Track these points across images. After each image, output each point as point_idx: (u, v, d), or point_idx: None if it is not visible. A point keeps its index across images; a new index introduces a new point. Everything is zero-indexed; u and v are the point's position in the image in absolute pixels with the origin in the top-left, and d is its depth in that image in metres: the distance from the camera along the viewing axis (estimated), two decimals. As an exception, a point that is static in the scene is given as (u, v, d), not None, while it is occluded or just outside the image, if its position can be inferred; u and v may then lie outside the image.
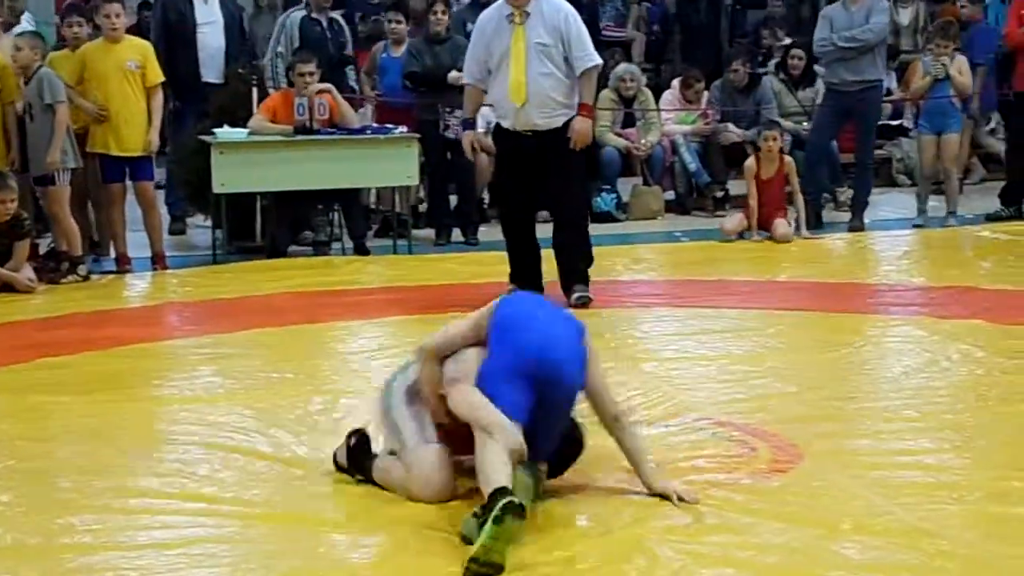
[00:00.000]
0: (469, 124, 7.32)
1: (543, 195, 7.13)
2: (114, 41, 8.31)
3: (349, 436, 4.27)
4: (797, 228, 9.31)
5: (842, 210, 10.24)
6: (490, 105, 7.49)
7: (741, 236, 9.22)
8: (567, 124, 6.88)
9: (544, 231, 7.32)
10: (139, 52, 8.37)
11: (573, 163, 7.02)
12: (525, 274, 7.14)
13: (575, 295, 6.99)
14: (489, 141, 9.64)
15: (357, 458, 4.22)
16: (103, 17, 8.29)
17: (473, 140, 7.35)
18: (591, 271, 7.20)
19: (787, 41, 11.90)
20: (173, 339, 6.67)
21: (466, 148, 7.33)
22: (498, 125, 7.12)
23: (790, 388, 5.32)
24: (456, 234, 9.50)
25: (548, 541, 3.68)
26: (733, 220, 9.36)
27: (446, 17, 9.51)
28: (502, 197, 7.28)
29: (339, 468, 4.29)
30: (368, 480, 4.16)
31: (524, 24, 6.83)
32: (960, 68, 9.79)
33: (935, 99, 9.67)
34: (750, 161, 9.48)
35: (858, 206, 9.80)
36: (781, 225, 9.22)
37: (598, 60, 7.09)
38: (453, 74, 9.23)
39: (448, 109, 9.25)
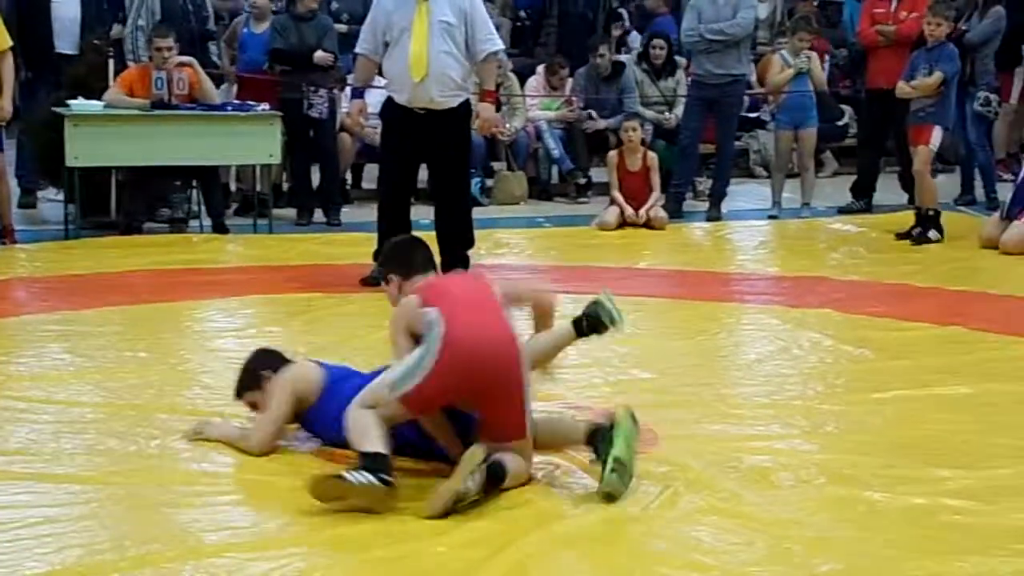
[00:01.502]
0: (358, 93, 7.27)
1: (430, 177, 7.13)
2: (-46, 8, 8.03)
3: None
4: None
5: (700, 200, 10.41)
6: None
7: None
8: (458, 107, 6.87)
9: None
10: None
11: (461, 147, 7.03)
12: None
13: None
14: (349, 122, 9.60)
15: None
16: None
17: (362, 108, 7.30)
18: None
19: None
20: (21, 315, 6.46)
21: (354, 115, 7.44)
22: (389, 100, 7.00)
23: (647, 374, 5.39)
24: (318, 215, 9.41)
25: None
26: (611, 214, 9.38)
27: None
28: (384, 174, 7.21)
29: None
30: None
31: (429, 1, 6.78)
32: (815, 62, 10.01)
33: (794, 93, 9.87)
34: (612, 154, 9.57)
35: (717, 196, 9.98)
36: (658, 211, 9.39)
37: (501, 45, 7.14)
38: (319, 54, 9.14)
39: (312, 88, 9.15)
